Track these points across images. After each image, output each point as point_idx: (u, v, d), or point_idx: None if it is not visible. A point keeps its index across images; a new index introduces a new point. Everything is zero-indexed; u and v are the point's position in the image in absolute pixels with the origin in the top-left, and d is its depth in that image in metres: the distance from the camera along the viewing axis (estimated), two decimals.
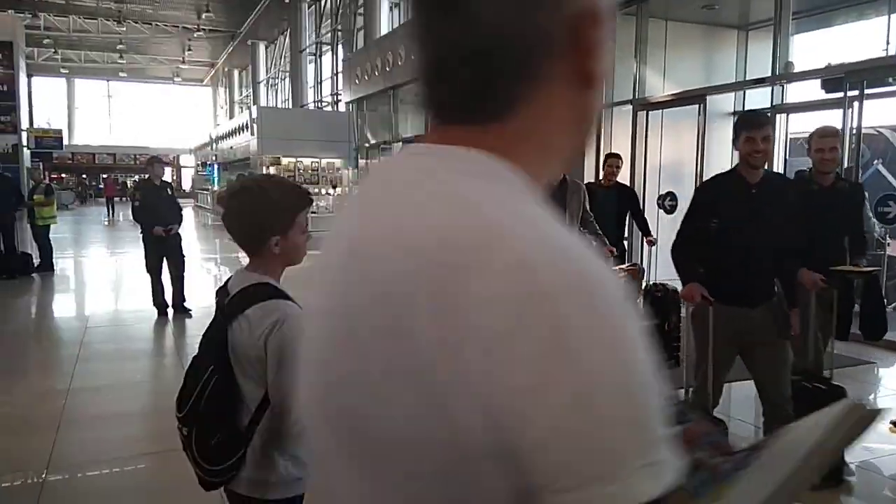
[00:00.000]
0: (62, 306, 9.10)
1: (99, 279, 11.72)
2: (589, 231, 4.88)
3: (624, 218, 6.27)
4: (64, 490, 3.32)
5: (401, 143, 16.61)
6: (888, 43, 8.02)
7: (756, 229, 2.99)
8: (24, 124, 25.88)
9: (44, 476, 3.39)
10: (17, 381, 5.27)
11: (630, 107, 9.57)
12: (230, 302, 1.65)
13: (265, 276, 1.68)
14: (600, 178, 6.27)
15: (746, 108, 10.19)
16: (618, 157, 6.21)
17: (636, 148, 9.44)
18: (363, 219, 0.65)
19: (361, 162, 18.98)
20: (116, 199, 31.31)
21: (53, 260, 10.93)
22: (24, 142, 24.63)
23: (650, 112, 9.36)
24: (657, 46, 9.58)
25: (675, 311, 4.79)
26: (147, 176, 7.59)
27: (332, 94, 24.68)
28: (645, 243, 6.68)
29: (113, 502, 3.20)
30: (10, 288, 9.79)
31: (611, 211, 5.68)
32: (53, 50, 35.55)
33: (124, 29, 32.99)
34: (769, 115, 9.90)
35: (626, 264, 5.83)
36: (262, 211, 1.65)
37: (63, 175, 40.29)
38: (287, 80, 31.32)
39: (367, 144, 18.58)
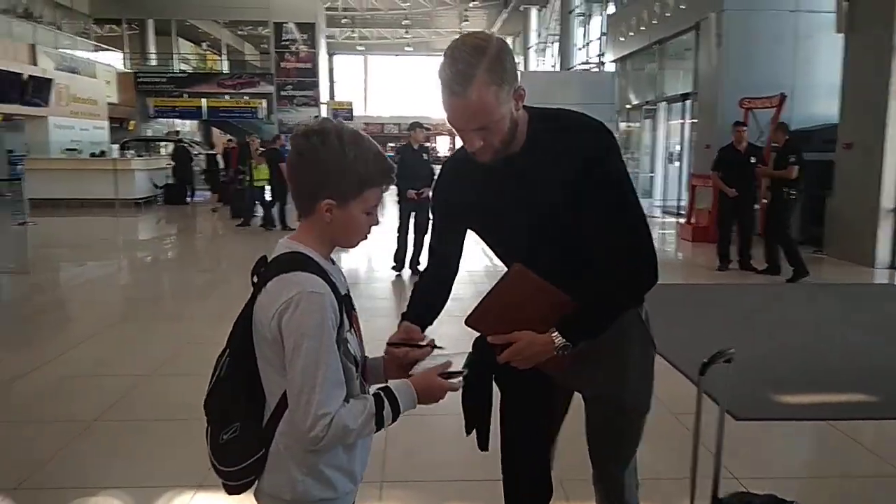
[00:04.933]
0: None
1: None
2: None
3: None
4: None
5: (665, 103, 15.36)
6: None
7: None
8: (324, 98, 29.41)
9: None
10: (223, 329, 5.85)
11: None
12: (262, 272, 1.36)
13: (305, 245, 1.35)
14: None
15: None
16: None
17: None
18: None
19: (622, 125, 17.91)
20: None
21: (273, 215, 12.19)
22: (324, 114, 28.09)
23: None
24: None
25: None
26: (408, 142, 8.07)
27: (598, 55, 23.88)
28: None
29: None
30: (244, 240, 11.13)
31: None
32: (351, 29, 39.66)
33: (408, 4, 35.53)
34: None
35: None
36: (329, 162, 1.30)
37: None
38: (556, 43, 31.10)
39: (627, 106, 17.50)
